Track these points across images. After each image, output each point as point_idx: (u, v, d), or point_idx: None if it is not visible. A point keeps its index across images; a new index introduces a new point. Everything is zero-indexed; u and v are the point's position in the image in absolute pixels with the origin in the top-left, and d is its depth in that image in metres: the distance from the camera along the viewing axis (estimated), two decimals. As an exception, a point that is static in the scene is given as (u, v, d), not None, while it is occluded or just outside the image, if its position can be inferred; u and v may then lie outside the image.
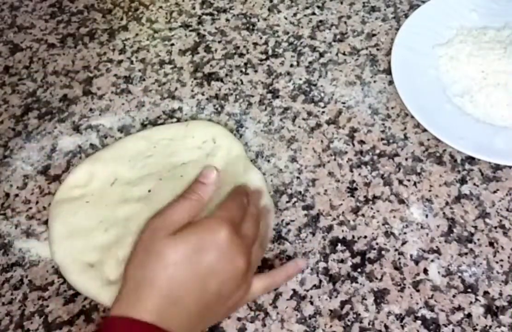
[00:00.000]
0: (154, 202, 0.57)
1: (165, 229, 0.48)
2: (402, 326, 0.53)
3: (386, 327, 0.53)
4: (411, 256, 0.58)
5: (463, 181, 0.62)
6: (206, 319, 0.51)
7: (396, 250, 0.58)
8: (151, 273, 0.47)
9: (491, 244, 0.58)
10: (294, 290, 0.56)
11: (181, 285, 0.47)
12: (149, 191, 0.61)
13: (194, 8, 0.83)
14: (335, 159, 0.65)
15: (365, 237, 0.59)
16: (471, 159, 0.64)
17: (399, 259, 0.57)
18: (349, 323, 0.54)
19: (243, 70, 0.74)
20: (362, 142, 0.66)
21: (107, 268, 0.56)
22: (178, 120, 0.70)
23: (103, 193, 0.62)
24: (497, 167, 0.63)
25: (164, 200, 0.53)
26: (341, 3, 0.81)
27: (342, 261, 0.58)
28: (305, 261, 0.57)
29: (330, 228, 0.60)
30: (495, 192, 0.61)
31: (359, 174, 0.64)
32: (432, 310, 0.54)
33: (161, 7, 0.83)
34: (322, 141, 0.67)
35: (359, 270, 0.57)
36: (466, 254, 0.57)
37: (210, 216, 0.50)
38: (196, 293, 0.48)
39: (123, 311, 0.47)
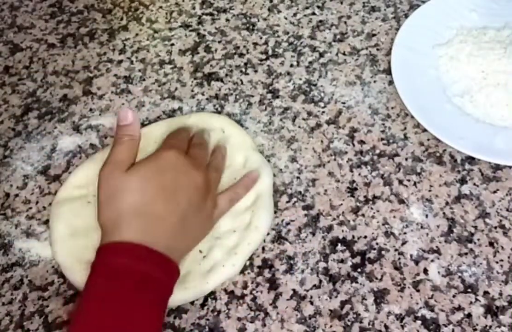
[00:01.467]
0: None
1: (118, 169, 0.53)
2: (402, 326, 0.53)
3: (386, 327, 0.53)
4: (411, 256, 0.58)
5: (463, 181, 0.62)
6: (188, 233, 0.54)
7: (396, 250, 0.58)
8: (121, 206, 0.51)
9: (491, 244, 0.58)
10: (294, 290, 0.56)
11: (153, 203, 0.51)
12: None
13: (194, 8, 0.83)
14: (335, 159, 0.65)
15: (365, 237, 0.59)
16: (471, 159, 0.64)
17: (399, 259, 0.57)
18: (349, 323, 0.54)
19: (243, 70, 0.74)
20: (362, 142, 0.66)
21: None
22: (178, 120, 0.70)
23: None
24: (497, 167, 0.63)
25: None
26: (341, 3, 0.81)
27: (342, 261, 0.58)
28: (256, 171, 0.61)
29: (330, 228, 0.60)
30: (495, 192, 0.61)
31: (359, 174, 0.64)
32: (432, 310, 0.54)
33: (161, 7, 0.83)
34: (322, 141, 0.67)
35: (359, 270, 0.57)
36: (466, 254, 0.57)
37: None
38: (170, 206, 0.52)
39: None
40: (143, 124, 0.70)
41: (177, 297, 0.55)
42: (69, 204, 0.61)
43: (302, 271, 0.57)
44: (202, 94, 0.72)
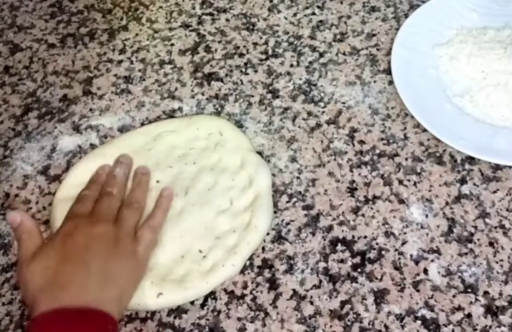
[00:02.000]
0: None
1: (23, 266, 0.53)
2: (402, 326, 0.53)
3: (386, 327, 0.53)
4: (411, 256, 0.58)
5: (463, 181, 0.62)
6: (114, 279, 0.53)
7: (396, 250, 0.58)
8: (31, 293, 0.51)
9: (491, 244, 0.58)
10: (294, 290, 0.56)
11: (58, 273, 0.51)
12: (157, 181, 0.62)
13: (194, 8, 0.83)
14: (335, 159, 0.65)
15: (365, 237, 0.59)
16: (471, 159, 0.64)
17: (399, 259, 0.57)
18: (349, 323, 0.54)
19: (243, 70, 0.74)
20: (362, 142, 0.66)
21: None
22: (178, 120, 0.70)
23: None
24: (497, 167, 0.63)
25: (174, 187, 0.61)
26: (341, 3, 0.81)
27: (342, 261, 0.58)
28: (169, 188, 0.61)
29: (330, 228, 0.60)
30: (495, 192, 0.61)
31: (359, 174, 0.64)
32: (432, 310, 0.54)
33: (161, 7, 0.83)
34: (322, 141, 0.67)
35: (359, 270, 0.57)
36: (466, 254, 0.57)
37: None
38: (76, 267, 0.52)
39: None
40: (142, 124, 0.70)
41: (177, 297, 0.55)
42: (69, 202, 0.61)
43: (302, 271, 0.57)
44: (202, 94, 0.72)
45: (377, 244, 0.59)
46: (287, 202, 0.62)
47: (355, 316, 0.54)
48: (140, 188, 0.61)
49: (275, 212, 0.61)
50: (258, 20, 0.80)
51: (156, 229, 0.58)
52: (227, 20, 0.81)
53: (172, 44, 0.78)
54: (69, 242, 0.53)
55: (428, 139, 0.66)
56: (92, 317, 0.49)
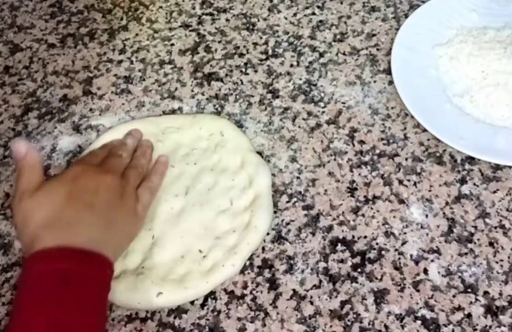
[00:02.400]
0: (161, 190, 0.62)
1: (24, 197, 0.53)
2: (402, 326, 0.53)
3: (386, 327, 0.53)
4: (411, 256, 0.58)
5: (463, 181, 0.62)
6: (114, 227, 0.54)
7: (396, 250, 0.58)
8: (33, 224, 0.51)
9: (491, 244, 0.58)
10: (294, 290, 0.56)
11: (64, 210, 0.52)
12: None
13: (194, 8, 0.83)
14: (335, 159, 0.65)
15: (365, 237, 0.59)
16: (471, 159, 0.64)
17: (399, 259, 0.57)
18: (349, 323, 0.54)
19: (243, 70, 0.74)
20: (362, 142, 0.66)
21: None
22: (178, 120, 0.70)
23: None
24: (497, 167, 0.63)
25: (173, 185, 0.62)
26: (341, 3, 0.81)
27: (342, 261, 0.58)
28: (164, 157, 0.64)
29: (330, 228, 0.60)
30: (495, 192, 0.61)
31: (359, 174, 0.64)
32: (432, 310, 0.54)
33: (161, 7, 0.83)
34: (322, 141, 0.67)
35: (359, 270, 0.57)
36: (466, 254, 0.57)
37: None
38: (82, 208, 0.53)
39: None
40: (143, 124, 0.70)
41: (177, 297, 0.55)
42: None
43: (302, 271, 0.57)
44: (202, 94, 0.72)
45: (377, 244, 0.59)
46: (287, 202, 0.62)
47: (355, 316, 0.54)
48: (144, 157, 0.64)
49: (275, 212, 0.61)
50: (258, 20, 0.80)
51: (154, 191, 0.61)
52: (227, 20, 0.81)
53: (172, 44, 0.78)
54: (78, 182, 0.54)
55: (428, 139, 0.66)
56: (94, 259, 0.50)
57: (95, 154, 0.62)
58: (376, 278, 0.56)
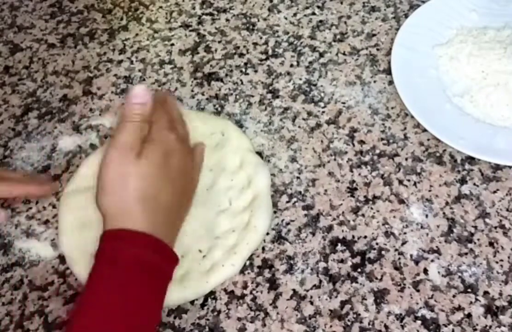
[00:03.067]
0: None
1: (130, 153, 0.51)
2: (402, 326, 0.53)
3: (386, 327, 0.53)
4: (411, 256, 0.58)
5: (463, 181, 0.62)
6: (183, 209, 0.55)
7: (396, 250, 0.58)
8: (128, 192, 0.50)
9: (491, 244, 0.58)
10: (294, 290, 0.56)
11: (160, 191, 0.51)
12: None
13: (194, 8, 0.83)
14: (335, 159, 0.65)
15: (365, 237, 0.59)
16: (471, 159, 0.64)
17: (399, 259, 0.57)
18: (349, 323, 0.54)
19: (243, 70, 0.74)
20: (362, 142, 0.66)
21: None
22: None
23: None
24: (497, 167, 0.63)
25: None
26: (341, 3, 0.81)
27: (342, 261, 0.58)
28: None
29: (330, 228, 0.60)
30: (495, 192, 0.61)
31: (359, 174, 0.64)
32: (432, 310, 0.54)
33: (161, 7, 0.83)
34: (322, 141, 0.67)
35: (359, 270, 0.57)
36: (466, 254, 0.57)
37: (150, 132, 0.53)
38: (173, 193, 0.52)
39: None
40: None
41: (177, 297, 0.55)
42: (78, 195, 0.62)
43: (302, 271, 0.57)
44: (202, 94, 0.72)
45: (377, 244, 0.59)
46: (287, 202, 0.62)
47: (355, 316, 0.54)
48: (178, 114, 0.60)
49: (275, 212, 0.61)
50: (258, 20, 0.80)
51: (202, 152, 0.60)
52: (227, 20, 0.81)
53: (172, 44, 0.78)
54: (173, 158, 0.53)
55: (428, 139, 0.66)
56: (172, 256, 0.51)
57: (165, 117, 0.56)
58: (376, 278, 0.56)
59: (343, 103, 0.70)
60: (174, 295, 0.55)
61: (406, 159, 0.64)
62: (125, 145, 0.51)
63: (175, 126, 0.56)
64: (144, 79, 0.74)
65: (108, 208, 0.51)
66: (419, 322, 0.54)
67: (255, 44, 0.77)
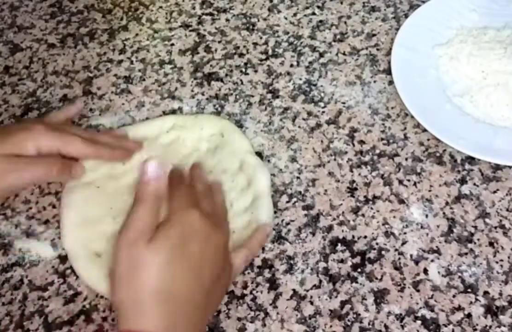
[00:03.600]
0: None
1: (141, 239, 0.46)
2: (402, 326, 0.53)
3: (386, 327, 0.53)
4: (411, 256, 0.58)
5: (463, 181, 0.62)
6: (209, 307, 0.49)
7: (396, 250, 0.58)
8: (144, 286, 0.45)
9: (491, 244, 0.58)
10: (294, 290, 0.56)
11: (179, 283, 0.46)
12: None
13: (194, 8, 0.83)
14: (335, 159, 0.65)
15: (365, 237, 0.59)
16: (471, 159, 0.64)
17: (399, 259, 0.57)
18: (349, 323, 0.54)
19: (243, 70, 0.74)
20: (362, 142, 0.66)
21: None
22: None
23: (114, 177, 0.63)
24: (497, 167, 0.63)
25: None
26: (341, 3, 0.81)
27: (342, 261, 0.58)
28: (269, 226, 0.57)
29: (330, 228, 0.60)
30: (495, 192, 0.61)
31: (359, 174, 0.64)
32: (432, 310, 0.54)
33: (161, 7, 0.83)
34: (322, 141, 0.67)
35: (359, 270, 0.57)
36: (466, 254, 0.57)
37: (168, 212, 0.49)
38: (195, 284, 0.47)
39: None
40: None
41: None
42: (80, 191, 0.62)
43: (302, 271, 0.57)
44: (202, 94, 0.72)
45: (377, 244, 0.59)
46: (287, 202, 0.62)
47: (355, 316, 0.54)
48: (220, 195, 0.57)
49: (275, 212, 0.61)
50: (258, 20, 0.80)
51: (249, 257, 0.55)
52: (227, 20, 0.81)
53: (172, 44, 0.78)
54: (194, 242, 0.47)
55: (428, 139, 0.66)
56: None
57: (188, 191, 0.52)
58: (376, 278, 0.56)
59: (343, 103, 0.70)
60: None
61: (406, 159, 0.64)
62: (137, 230, 0.46)
63: (198, 201, 0.50)
64: (144, 79, 0.74)
65: (122, 301, 0.46)
66: (419, 322, 0.54)
67: (255, 44, 0.77)
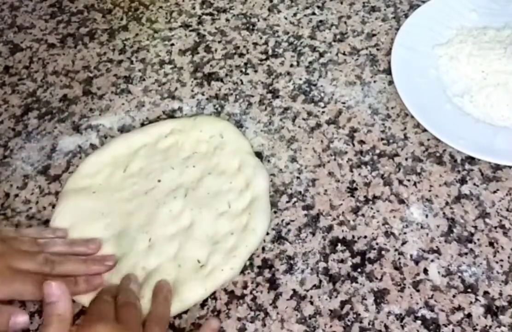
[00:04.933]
0: (161, 192, 0.62)
1: None
2: (402, 326, 0.53)
3: (386, 327, 0.53)
4: (411, 256, 0.58)
5: (463, 181, 0.62)
6: None
7: (396, 250, 0.58)
8: None
9: (491, 244, 0.58)
10: (294, 290, 0.56)
11: None
12: (159, 180, 0.63)
13: (194, 8, 0.83)
14: (335, 159, 0.65)
15: (365, 237, 0.59)
16: (471, 159, 0.64)
17: (399, 259, 0.57)
18: (349, 323, 0.54)
19: (243, 70, 0.74)
20: (362, 142, 0.66)
21: None
22: (178, 120, 0.70)
23: (112, 184, 0.63)
24: (497, 167, 0.63)
25: (172, 188, 0.61)
26: (341, 3, 0.81)
27: (342, 261, 0.58)
28: (217, 321, 0.54)
29: (330, 228, 0.60)
30: (495, 192, 0.61)
31: (359, 174, 0.64)
32: (432, 310, 0.54)
33: (161, 7, 0.83)
34: (322, 141, 0.67)
35: (359, 270, 0.57)
36: (466, 254, 0.57)
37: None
38: None
39: None
40: (142, 124, 0.70)
41: (176, 309, 0.55)
42: (74, 196, 0.62)
43: (302, 271, 0.57)
44: (202, 94, 0.72)
45: (377, 244, 0.59)
46: (287, 202, 0.62)
47: (355, 316, 0.54)
48: (163, 298, 0.55)
49: (275, 212, 0.61)
50: (258, 20, 0.80)
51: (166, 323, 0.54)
52: (227, 20, 0.81)
53: (172, 44, 0.78)
54: None
55: (428, 139, 0.66)
56: None
57: (108, 295, 0.53)
58: (376, 278, 0.56)
59: (343, 103, 0.70)
60: (173, 308, 0.55)
61: (406, 159, 0.64)
62: None
63: (116, 314, 0.50)
64: (144, 79, 0.74)
65: None
66: (419, 322, 0.54)
67: (255, 44, 0.77)
